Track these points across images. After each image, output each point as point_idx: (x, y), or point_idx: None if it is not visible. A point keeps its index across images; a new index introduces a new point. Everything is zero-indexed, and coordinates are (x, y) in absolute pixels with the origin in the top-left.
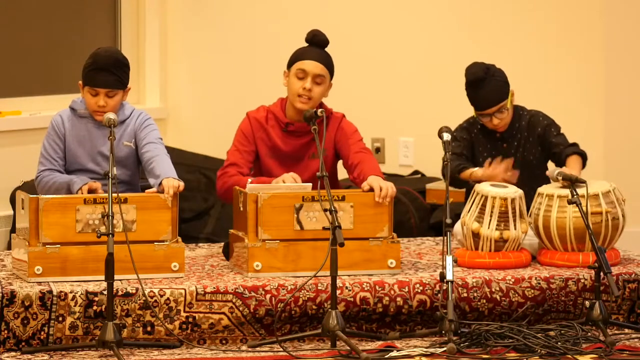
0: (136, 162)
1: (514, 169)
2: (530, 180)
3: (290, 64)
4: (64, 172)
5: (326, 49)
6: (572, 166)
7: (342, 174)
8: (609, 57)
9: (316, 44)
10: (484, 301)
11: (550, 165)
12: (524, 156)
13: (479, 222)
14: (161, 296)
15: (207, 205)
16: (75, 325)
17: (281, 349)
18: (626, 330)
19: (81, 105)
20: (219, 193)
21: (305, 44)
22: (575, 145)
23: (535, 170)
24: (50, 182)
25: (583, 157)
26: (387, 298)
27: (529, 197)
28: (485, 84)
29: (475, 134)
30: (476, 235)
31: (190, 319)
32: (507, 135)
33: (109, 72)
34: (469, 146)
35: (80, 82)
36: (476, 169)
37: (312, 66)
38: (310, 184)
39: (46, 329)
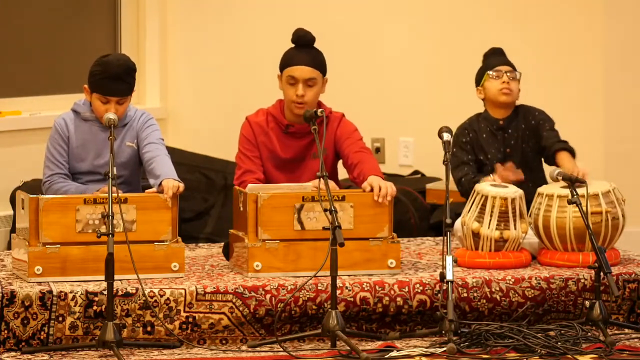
0: (138, 163)
1: (515, 160)
2: (529, 171)
3: (281, 69)
4: (71, 176)
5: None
6: (566, 160)
7: (342, 173)
8: (609, 57)
9: (303, 44)
10: (484, 301)
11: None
12: (522, 147)
13: (479, 222)
14: (161, 296)
15: (207, 205)
16: (75, 325)
17: (281, 349)
18: (626, 330)
19: (84, 108)
20: None
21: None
22: (565, 142)
23: (532, 163)
24: (63, 190)
25: (572, 154)
26: (387, 298)
27: (526, 191)
28: (503, 55)
29: (474, 132)
30: (476, 235)
31: (190, 319)
32: (507, 125)
33: (121, 80)
34: (471, 149)
35: (86, 86)
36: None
37: (300, 72)
38: (310, 184)
39: (46, 329)
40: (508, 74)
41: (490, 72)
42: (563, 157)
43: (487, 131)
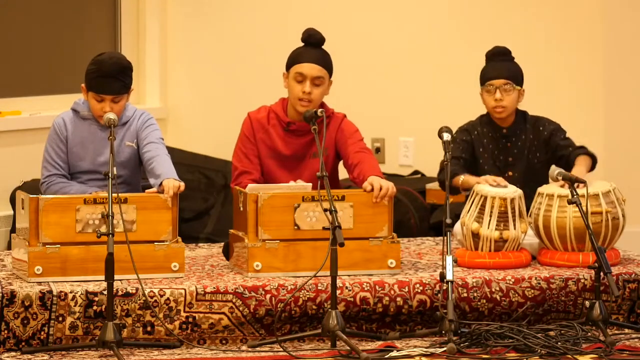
0: (137, 162)
1: (518, 170)
2: (534, 183)
3: (288, 67)
4: (69, 177)
5: (326, 48)
6: (579, 164)
7: (342, 173)
8: (609, 56)
9: (312, 43)
10: (484, 301)
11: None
12: (528, 158)
13: (479, 222)
14: (161, 296)
15: (207, 205)
16: (75, 325)
17: (281, 349)
18: (626, 330)
19: (84, 107)
20: None
21: (302, 43)
22: (584, 147)
23: (538, 174)
24: (61, 191)
25: (593, 158)
26: (387, 298)
27: (531, 200)
28: (504, 59)
29: (476, 135)
30: (476, 236)
31: (190, 319)
32: (511, 133)
33: (115, 78)
34: (468, 148)
35: (83, 85)
36: (465, 175)
37: (309, 69)
38: (311, 184)
39: (46, 329)
40: (500, 89)
41: (485, 86)
42: (577, 161)
43: (489, 137)
